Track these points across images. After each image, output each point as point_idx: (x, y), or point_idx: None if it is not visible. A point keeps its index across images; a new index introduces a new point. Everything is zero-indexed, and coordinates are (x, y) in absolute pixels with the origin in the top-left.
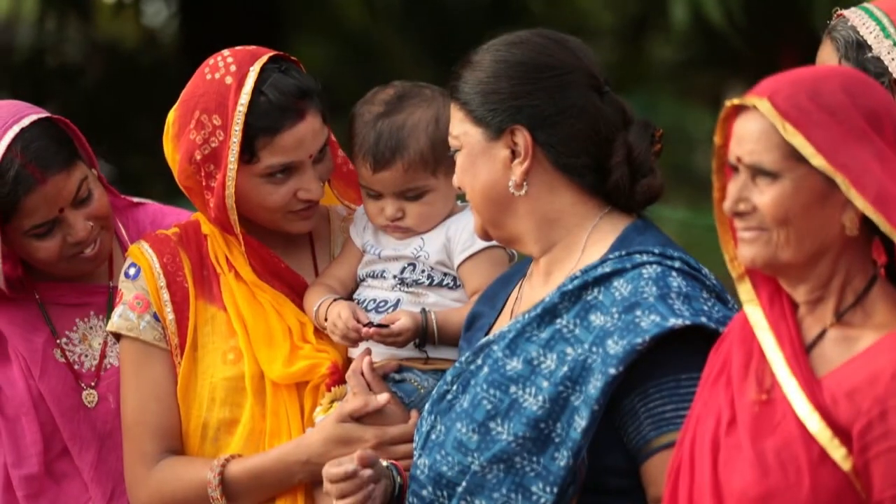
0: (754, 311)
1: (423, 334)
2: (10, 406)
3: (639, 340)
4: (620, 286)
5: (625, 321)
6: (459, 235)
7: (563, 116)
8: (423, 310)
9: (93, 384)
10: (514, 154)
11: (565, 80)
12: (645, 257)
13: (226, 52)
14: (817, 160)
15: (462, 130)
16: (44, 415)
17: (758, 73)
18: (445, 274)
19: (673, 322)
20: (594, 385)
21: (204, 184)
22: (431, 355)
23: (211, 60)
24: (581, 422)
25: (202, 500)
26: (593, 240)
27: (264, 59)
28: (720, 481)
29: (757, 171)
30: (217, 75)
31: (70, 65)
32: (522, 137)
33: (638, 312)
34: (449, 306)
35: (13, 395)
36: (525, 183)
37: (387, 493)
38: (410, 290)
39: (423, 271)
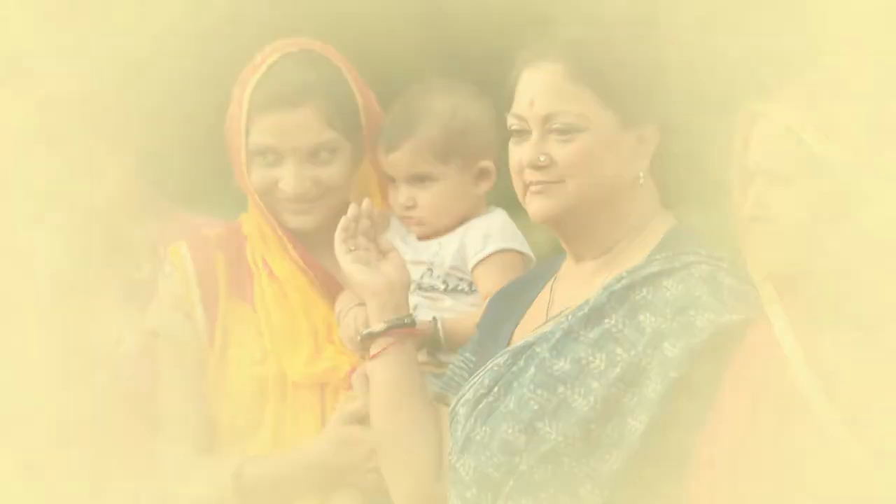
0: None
1: (433, 343)
2: None
3: (696, 340)
4: (670, 286)
5: (680, 322)
6: (473, 240)
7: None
8: (434, 318)
9: None
10: (638, 146)
11: None
12: (693, 257)
13: (288, 40)
14: None
15: (592, 111)
16: None
17: None
18: (461, 279)
19: (728, 318)
20: (653, 389)
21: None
22: (444, 359)
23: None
24: (638, 426)
25: (221, 501)
26: (638, 242)
27: (296, 47)
28: None
29: None
30: (260, 56)
31: None
32: (654, 130)
33: (692, 312)
34: (464, 311)
35: None
36: (642, 176)
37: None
38: (427, 294)
39: (438, 276)
